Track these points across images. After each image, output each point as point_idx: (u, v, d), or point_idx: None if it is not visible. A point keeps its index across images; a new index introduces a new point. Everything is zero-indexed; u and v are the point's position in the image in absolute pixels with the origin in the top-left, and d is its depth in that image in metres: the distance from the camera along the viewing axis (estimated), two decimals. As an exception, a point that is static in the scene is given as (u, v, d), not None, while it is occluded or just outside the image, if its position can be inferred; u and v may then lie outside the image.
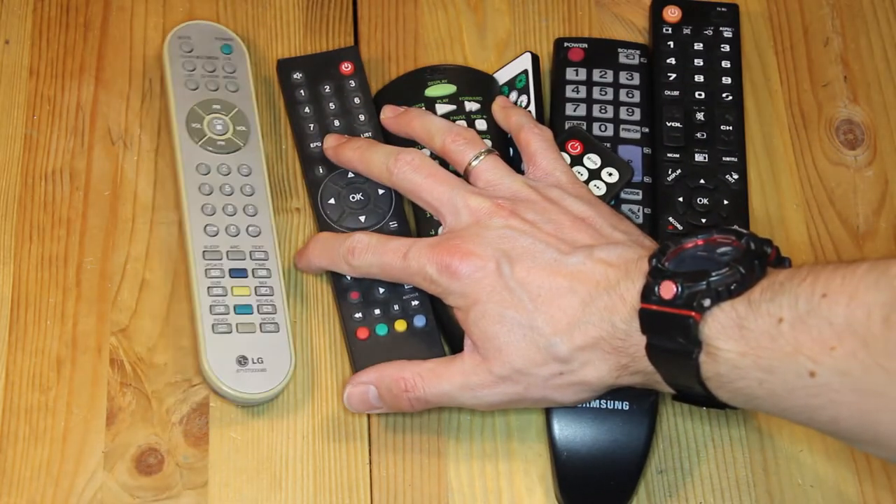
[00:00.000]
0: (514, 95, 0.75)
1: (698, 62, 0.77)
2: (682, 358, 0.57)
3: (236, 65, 0.74)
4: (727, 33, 0.77)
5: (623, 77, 0.76)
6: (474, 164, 0.68)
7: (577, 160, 0.71)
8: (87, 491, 0.65)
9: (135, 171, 0.74)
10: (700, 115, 0.75)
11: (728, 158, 0.74)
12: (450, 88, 0.74)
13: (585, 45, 0.77)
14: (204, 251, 0.68)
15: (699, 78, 0.76)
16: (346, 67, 0.75)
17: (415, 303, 0.69)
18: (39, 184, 0.73)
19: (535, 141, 0.69)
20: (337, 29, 0.79)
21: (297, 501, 0.66)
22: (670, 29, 0.77)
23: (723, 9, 0.78)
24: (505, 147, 0.73)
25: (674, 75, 0.76)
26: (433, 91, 0.74)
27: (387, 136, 0.73)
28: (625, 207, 0.72)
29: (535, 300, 0.61)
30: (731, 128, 0.74)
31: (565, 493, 0.66)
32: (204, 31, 0.75)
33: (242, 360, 0.66)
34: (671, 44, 0.77)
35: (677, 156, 0.74)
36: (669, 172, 0.73)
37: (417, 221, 0.71)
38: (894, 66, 0.80)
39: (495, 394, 0.63)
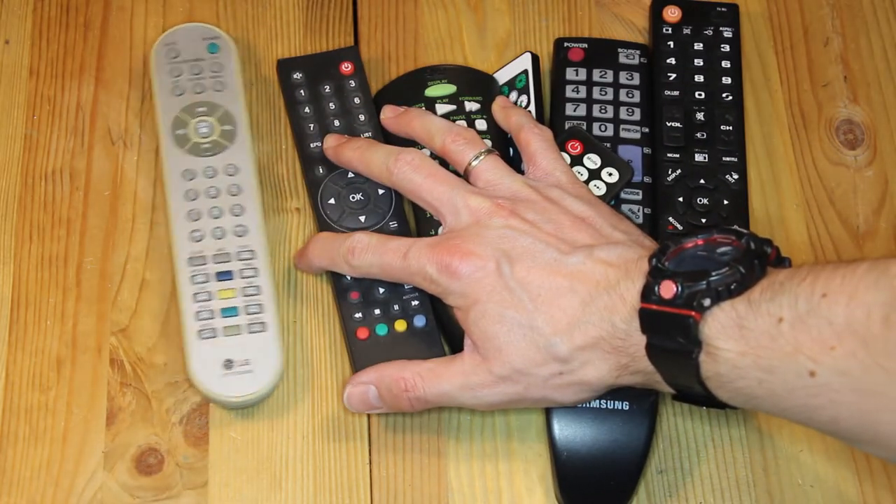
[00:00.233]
0: (514, 95, 0.75)
1: (698, 62, 0.77)
2: (682, 357, 0.57)
3: (223, 63, 0.74)
4: (727, 33, 0.77)
5: (623, 77, 0.76)
6: (474, 164, 0.68)
7: (577, 160, 0.71)
8: (87, 491, 0.65)
9: (135, 171, 0.74)
10: (700, 115, 0.75)
11: (728, 158, 0.74)
12: (450, 88, 0.74)
13: (585, 45, 0.77)
14: (189, 258, 0.68)
15: (699, 78, 0.76)
16: (346, 67, 0.75)
17: (415, 303, 0.69)
18: (39, 184, 0.73)
19: (535, 141, 0.69)
20: (337, 29, 0.79)
21: (297, 501, 0.66)
22: (670, 29, 0.77)
23: (723, 9, 0.78)
24: (505, 147, 0.73)
25: (674, 75, 0.76)
26: (433, 91, 0.74)
27: (387, 136, 0.73)
28: (625, 207, 0.72)
29: (535, 300, 0.61)
30: (731, 128, 0.74)
31: (565, 493, 0.66)
32: (190, 33, 0.75)
33: (228, 364, 0.66)
34: (671, 44, 0.77)
35: (677, 156, 0.74)
36: (669, 172, 0.73)
37: (417, 221, 0.71)
38: (894, 66, 0.80)
39: (495, 394, 0.63)
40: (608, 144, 0.73)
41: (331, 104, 0.74)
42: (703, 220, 0.72)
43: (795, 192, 0.75)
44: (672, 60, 0.76)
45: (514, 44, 0.79)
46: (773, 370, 0.54)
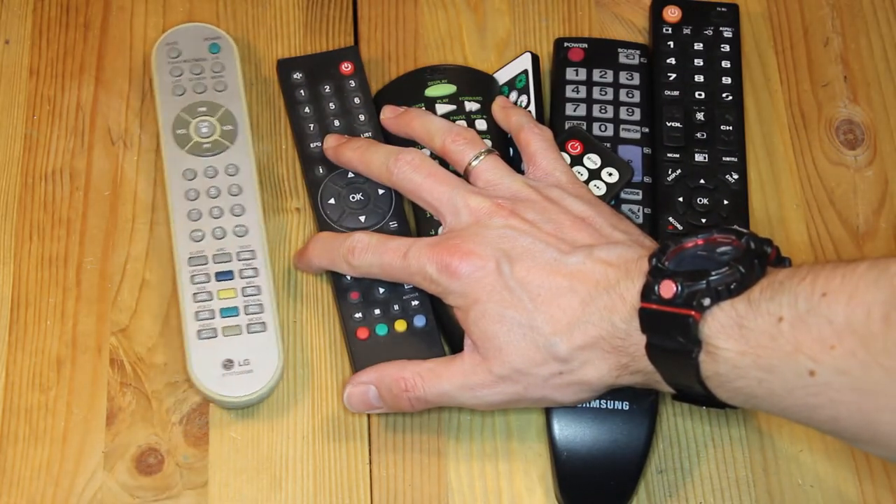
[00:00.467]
0: (514, 95, 0.75)
1: (698, 62, 0.77)
2: (682, 357, 0.57)
3: (224, 63, 0.74)
4: (727, 33, 0.77)
5: (623, 77, 0.76)
6: (474, 164, 0.68)
7: (577, 160, 0.71)
8: (87, 491, 0.65)
9: (135, 171, 0.74)
10: (700, 115, 0.75)
11: (728, 158, 0.74)
12: (450, 88, 0.74)
13: (585, 45, 0.77)
14: (189, 258, 0.68)
15: (699, 78, 0.76)
16: (346, 67, 0.75)
17: (415, 303, 0.69)
18: (39, 184, 0.73)
19: (535, 141, 0.69)
20: (337, 29, 0.79)
21: (297, 501, 0.66)
22: (670, 29, 0.77)
23: (723, 9, 0.78)
24: (505, 147, 0.73)
25: (674, 75, 0.76)
26: (433, 91, 0.74)
27: (387, 136, 0.73)
28: (625, 207, 0.72)
29: (535, 300, 0.61)
30: (731, 128, 0.74)
31: (565, 493, 0.66)
32: (192, 33, 0.75)
33: (228, 364, 0.66)
34: (671, 44, 0.77)
35: (677, 156, 0.74)
36: (669, 172, 0.73)
37: (417, 221, 0.71)
38: (894, 66, 0.80)
39: (495, 393, 0.63)
40: (608, 144, 0.73)
41: (331, 104, 0.74)
42: (703, 220, 0.72)
43: (795, 192, 0.75)
44: (672, 60, 0.76)
45: (514, 44, 0.79)
46: (772, 369, 0.54)
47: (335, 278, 0.70)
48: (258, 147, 0.74)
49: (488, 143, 0.71)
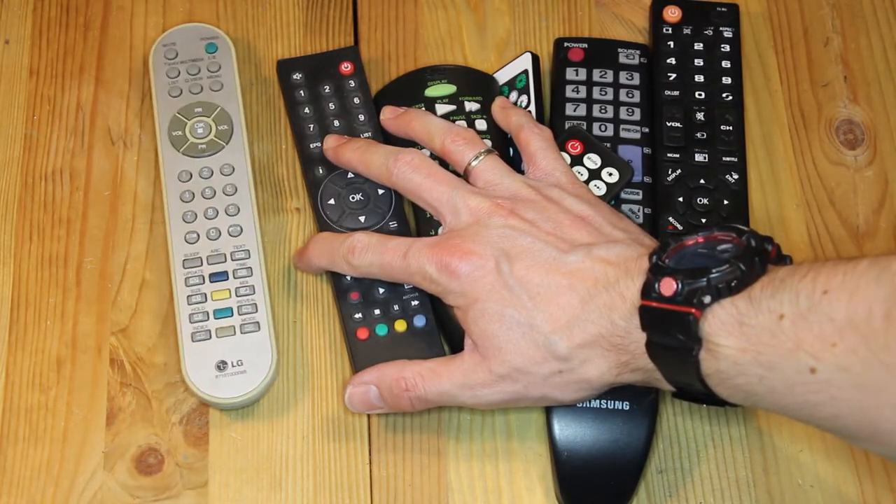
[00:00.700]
0: (514, 95, 0.75)
1: (698, 62, 0.77)
2: (682, 355, 0.57)
3: (221, 62, 0.74)
4: (727, 33, 0.77)
5: (623, 77, 0.76)
6: (474, 164, 0.68)
7: (577, 160, 0.71)
8: (87, 491, 0.65)
9: (135, 171, 0.74)
10: (700, 115, 0.75)
11: (728, 158, 0.74)
12: (450, 88, 0.74)
13: (585, 45, 0.77)
14: (184, 260, 0.68)
15: (699, 78, 0.76)
16: (346, 67, 0.75)
17: (415, 303, 0.69)
18: (39, 184, 0.73)
19: (535, 141, 0.69)
20: (337, 29, 0.79)
21: (297, 501, 0.66)
22: (670, 29, 0.77)
23: (723, 9, 0.78)
24: (505, 147, 0.73)
25: (674, 75, 0.76)
26: (433, 91, 0.74)
27: (387, 137, 0.73)
28: (625, 207, 0.72)
29: (534, 298, 0.61)
30: (731, 128, 0.74)
31: (565, 493, 0.66)
32: (189, 33, 0.75)
33: (221, 366, 0.66)
34: (671, 44, 0.77)
35: (677, 156, 0.74)
36: (669, 172, 0.73)
37: (417, 221, 0.71)
38: (894, 66, 0.80)
39: (495, 392, 0.63)
40: (608, 144, 0.73)
41: (331, 104, 0.74)
42: (703, 220, 0.72)
43: (795, 192, 0.75)
44: (672, 60, 0.76)
45: (514, 44, 0.79)
46: (773, 367, 0.54)
47: (335, 278, 0.70)
48: (258, 147, 0.74)
49: (488, 143, 0.71)
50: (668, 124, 0.74)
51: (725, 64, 0.76)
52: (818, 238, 0.74)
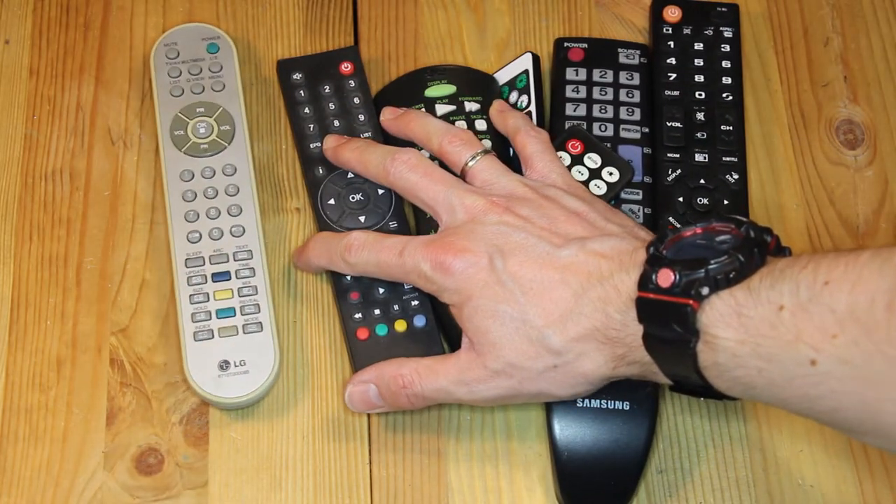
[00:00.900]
0: (514, 96, 0.75)
1: (698, 62, 0.77)
2: (680, 347, 0.56)
3: (222, 62, 0.74)
4: (727, 33, 0.77)
5: (623, 77, 0.76)
6: (471, 164, 0.68)
7: (577, 160, 0.71)
8: (87, 491, 0.65)
9: (135, 171, 0.74)
10: (700, 115, 0.75)
11: (728, 158, 0.74)
12: (450, 89, 0.74)
13: (585, 45, 0.77)
14: (186, 259, 0.68)
15: (699, 78, 0.76)
16: (346, 67, 0.75)
17: (415, 303, 0.69)
18: (39, 184, 0.73)
19: (532, 144, 0.69)
20: (337, 29, 0.79)
21: (297, 501, 0.66)
22: (670, 29, 0.77)
23: (723, 9, 0.78)
24: (504, 147, 0.73)
25: (674, 75, 0.76)
26: (433, 91, 0.74)
27: (386, 137, 0.73)
28: (625, 207, 0.72)
29: (527, 293, 0.61)
30: (731, 128, 0.74)
31: (565, 493, 0.66)
32: (190, 33, 0.75)
33: (224, 365, 0.66)
34: (671, 44, 0.77)
35: (677, 156, 0.74)
36: (669, 172, 0.73)
37: (417, 221, 0.71)
38: (894, 66, 0.80)
39: (490, 388, 0.63)
40: (608, 144, 0.73)
41: (331, 104, 0.74)
42: (703, 220, 0.72)
43: (795, 191, 0.75)
44: (672, 60, 0.76)
45: (514, 44, 0.79)
46: (772, 359, 0.54)
47: (335, 278, 0.70)
48: (258, 147, 0.74)
49: (487, 143, 0.71)
50: (668, 124, 0.74)
51: (725, 64, 0.76)
52: (818, 238, 0.74)
